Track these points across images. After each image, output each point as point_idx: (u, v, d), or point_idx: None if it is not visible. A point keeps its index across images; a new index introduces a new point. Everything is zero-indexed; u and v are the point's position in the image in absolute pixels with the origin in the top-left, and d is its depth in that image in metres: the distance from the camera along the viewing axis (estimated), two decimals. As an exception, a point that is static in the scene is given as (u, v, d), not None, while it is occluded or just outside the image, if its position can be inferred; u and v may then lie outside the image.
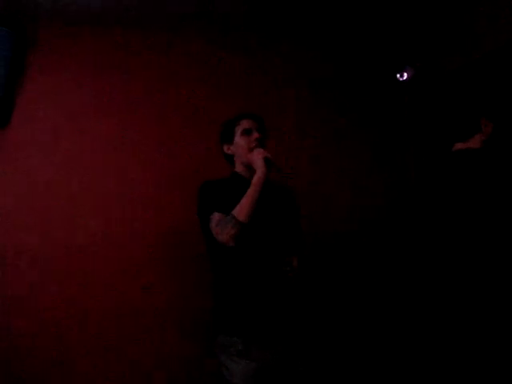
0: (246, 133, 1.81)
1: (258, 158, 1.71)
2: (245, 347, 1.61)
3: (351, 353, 2.44)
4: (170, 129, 2.51)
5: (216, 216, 1.65)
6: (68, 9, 2.34)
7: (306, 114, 2.72)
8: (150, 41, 2.57)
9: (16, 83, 2.33)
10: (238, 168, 1.85)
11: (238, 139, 1.82)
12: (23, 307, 2.21)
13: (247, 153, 1.78)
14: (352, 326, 2.49)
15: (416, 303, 2.29)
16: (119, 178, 2.41)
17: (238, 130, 1.83)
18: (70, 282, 2.27)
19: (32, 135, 2.35)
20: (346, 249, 2.58)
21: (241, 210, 1.62)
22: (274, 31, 2.69)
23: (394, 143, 2.72)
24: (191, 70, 2.59)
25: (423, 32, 2.41)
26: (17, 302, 2.21)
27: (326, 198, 2.63)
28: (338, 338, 2.45)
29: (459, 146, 1.62)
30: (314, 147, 2.69)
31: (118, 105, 2.48)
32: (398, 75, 2.39)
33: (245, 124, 1.83)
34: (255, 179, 1.68)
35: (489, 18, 2.22)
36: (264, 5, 2.39)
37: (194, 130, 2.51)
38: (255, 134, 1.80)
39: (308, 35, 2.73)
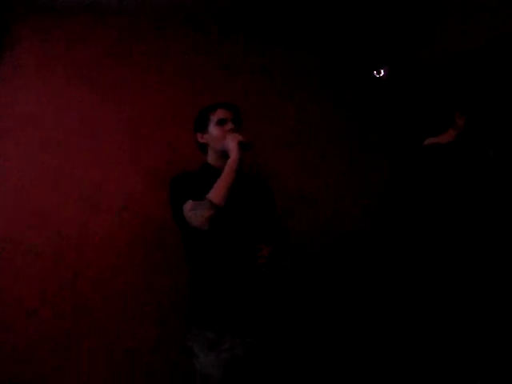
0: (221, 123, 1.82)
1: (232, 142, 1.73)
2: (217, 339, 1.63)
3: (330, 346, 2.51)
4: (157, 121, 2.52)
5: (190, 203, 1.65)
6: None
7: (286, 112, 2.75)
8: (143, 35, 2.54)
9: None
10: (210, 158, 1.87)
11: (212, 129, 1.83)
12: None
13: (219, 141, 1.79)
14: (331, 319, 2.56)
15: (395, 295, 2.31)
16: (99, 166, 2.41)
17: (213, 120, 1.83)
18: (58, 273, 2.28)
19: (6, 135, 2.32)
20: (330, 246, 2.66)
21: (216, 193, 1.64)
22: (256, 30, 2.71)
23: (373, 139, 2.77)
24: (178, 61, 2.59)
25: (401, 29, 2.46)
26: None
27: (307, 197, 2.68)
28: (317, 330, 2.51)
29: (430, 140, 1.65)
30: (292, 145, 2.73)
31: (104, 97, 2.45)
32: (375, 72, 2.43)
33: (219, 113, 1.83)
34: (229, 162, 1.70)
35: (462, 19, 2.29)
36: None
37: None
38: (230, 125, 1.81)
39: (291, 35, 2.75)
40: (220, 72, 2.64)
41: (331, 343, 2.52)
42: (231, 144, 1.73)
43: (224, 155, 1.78)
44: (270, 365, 1.71)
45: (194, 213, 1.61)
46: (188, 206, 1.65)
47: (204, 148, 1.89)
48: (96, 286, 2.31)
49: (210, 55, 2.64)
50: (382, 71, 2.38)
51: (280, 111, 2.72)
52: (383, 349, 2.44)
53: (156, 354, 2.33)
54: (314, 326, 2.51)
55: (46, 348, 2.21)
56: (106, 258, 2.35)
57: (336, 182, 2.73)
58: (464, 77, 1.99)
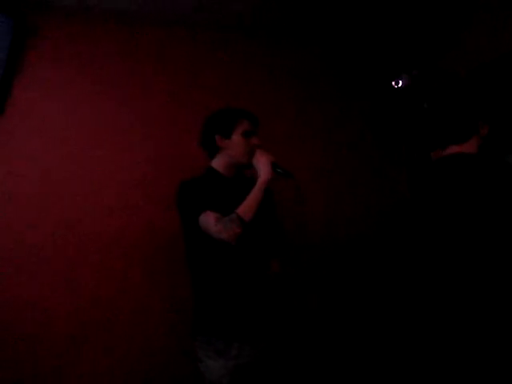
0: (246, 135, 1.78)
1: (265, 161, 1.71)
2: (224, 346, 1.62)
3: (332, 349, 2.47)
4: (162, 125, 2.53)
5: (211, 214, 1.62)
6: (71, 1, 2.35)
7: (302, 120, 2.75)
8: (150, 35, 2.59)
9: (14, 71, 2.32)
10: (219, 163, 1.81)
11: (238, 139, 1.77)
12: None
13: (244, 155, 1.76)
14: (338, 327, 2.52)
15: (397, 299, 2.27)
16: (112, 167, 2.42)
17: (239, 129, 1.78)
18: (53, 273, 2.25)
19: (28, 124, 2.34)
20: (339, 253, 2.63)
21: (247, 211, 1.62)
22: (272, 35, 2.73)
23: (390, 148, 2.75)
24: (187, 67, 2.62)
25: (420, 40, 2.46)
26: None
27: (322, 204, 2.67)
28: (323, 338, 2.47)
29: (454, 149, 1.58)
30: (308, 153, 2.71)
31: (116, 97, 2.48)
32: (394, 83, 2.42)
33: (246, 125, 1.79)
34: (260, 182, 1.68)
35: (487, 29, 2.27)
36: (264, 7, 2.42)
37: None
38: (255, 140, 1.78)
39: (306, 41, 2.77)
40: (230, 76, 2.67)
41: (334, 347, 2.48)
42: (265, 164, 1.70)
43: (238, 166, 1.78)
44: (277, 371, 1.70)
45: (224, 227, 1.58)
46: (211, 217, 1.61)
47: (215, 151, 1.83)
48: (99, 292, 2.28)
49: (225, 60, 2.68)
50: (401, 82, 2.37)
51: (293, 117, 2.72)
52: (385, 354, 2.39)
53: (163, 361, 2.28)
54: (317, 330, 2.48)
55: (45, 348, 2.18)
56: (110, 261, 2.32)
57: (350, 192, 2.72)
58: (487, 86, 1.95)
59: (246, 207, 1.63)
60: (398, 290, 2.35)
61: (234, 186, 1.77)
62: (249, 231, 1.63)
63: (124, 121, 2.48)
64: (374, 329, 2.52)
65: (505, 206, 1.36)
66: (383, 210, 2.66)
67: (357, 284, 2.60)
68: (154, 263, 2.37)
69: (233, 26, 2.63)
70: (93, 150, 2.41)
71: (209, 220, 1.61)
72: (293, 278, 2.40)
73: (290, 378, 1.70)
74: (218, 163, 1.81)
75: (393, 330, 2.38)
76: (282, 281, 1.86)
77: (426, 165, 1.80)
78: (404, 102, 2.46)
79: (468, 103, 1.63)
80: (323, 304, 2.54)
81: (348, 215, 2.67)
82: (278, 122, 2.65)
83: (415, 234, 1.66)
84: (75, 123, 2.41)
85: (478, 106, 1.64)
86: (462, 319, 1.33)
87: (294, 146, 2.67)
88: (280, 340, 1.74)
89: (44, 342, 2.18)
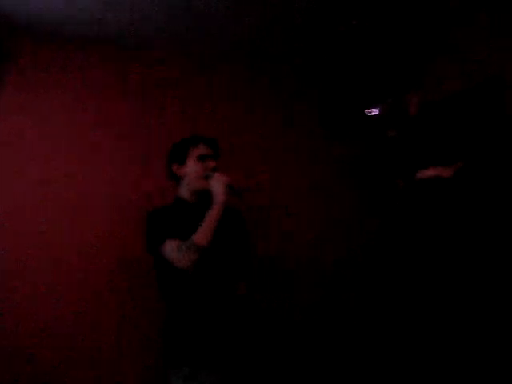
0: (201, 159, 1.79)
1: (219, 183, 1.71)
2: (192, 373, 1.62)
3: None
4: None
5: (171, 243, 1.64)
6: (44, 24, 2.35)
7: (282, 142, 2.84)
8: (127, 58, 2.61)
9: None
10: (183, 191, 1.83)
11: (192, 164, 1.79)
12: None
13: (200, 179, 1.77)
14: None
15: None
16: (94, 186, 2.43)
17: (194, 154, 1.80)
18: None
19: (7, 150, 2.33)
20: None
21: (201, 236, 1.63)
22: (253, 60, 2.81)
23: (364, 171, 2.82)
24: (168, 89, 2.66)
25: (392, 71, 2.57)
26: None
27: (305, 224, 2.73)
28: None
29: (426, 173, 1.62)
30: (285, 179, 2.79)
31: (97, 122, 2.49)
32: (366, 111, 2.48)
33: (202, 149, 1.80)
34: (215, 205, 1.68)
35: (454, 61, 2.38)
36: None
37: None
38: (211, 163, 1.79)
39: (284, 66, 2.85)
40: (210, 102, 2.70)
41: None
42: (218, 186, 1.70)
43: (198, 191, 1.78)
44: None
45: (180, 255, 1.60)
46: (169, 246, 1.63)
47: (177, 180, 1.85)
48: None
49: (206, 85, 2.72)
50: (374, 110, 2.43)
51: (270, 144, 2.78)
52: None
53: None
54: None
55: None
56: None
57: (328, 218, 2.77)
58: (461, 114, 2.01)
59: (201, 233, 1.64)
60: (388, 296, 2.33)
61: (198, 211, 1.74)
62: (209, 255, 1.63)
63: (105, 146, 2.49)
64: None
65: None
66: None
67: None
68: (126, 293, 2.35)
69: (213, 53, 2.68)
70: (72, 174, 2.41)
71: (168, 248, 1.64)
72: (260, 300, 2.39)
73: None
74: (181, 191, 1.84)
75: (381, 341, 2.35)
76: (248, 303, 1.87)
77: (406, 187, 1.81)
78: (376, 130, 2.53)
79: (453, 130, 1.70)
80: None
81: (331, 236, 2.73)
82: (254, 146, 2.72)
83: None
84: (53, 147, 2.41)
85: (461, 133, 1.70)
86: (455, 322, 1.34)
87: (270, 175, 2.72)
88: (247, 365, 1.73)
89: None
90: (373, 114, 2.43)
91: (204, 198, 1.78)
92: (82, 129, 2.46)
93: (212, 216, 1.66)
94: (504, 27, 2.16)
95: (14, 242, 2.25)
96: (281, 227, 2.67)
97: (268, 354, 2.32)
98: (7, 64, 2.36)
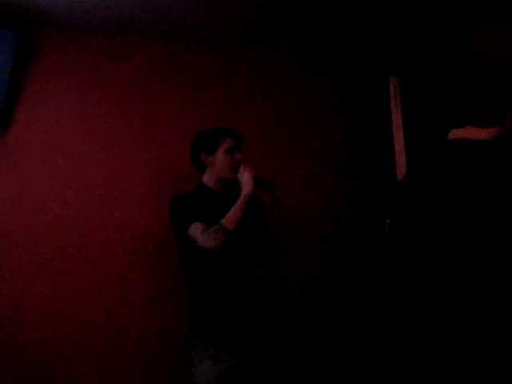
0: (230, 152, 1.93)
1: (248, 176, 1.87)
2: (215, 351, 1.75)
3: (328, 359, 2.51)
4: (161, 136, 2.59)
5: (198, 225, 1.76)
6: (73, 16, 2.40)
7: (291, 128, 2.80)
8: (152, 51, 2.63)
9: (19, 87, 2.40)
10: (209, 179, 1.96)
11: (222, 156, 1.92)
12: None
13: (229, 170, 1.91)
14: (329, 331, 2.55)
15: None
16: (116, 183, 2.47)
17: (223, 146, 1.93)
18: (62, 281, 2.31)
19: (32, 141, 2.40)
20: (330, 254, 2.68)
21: (230, 221, 1.77)
22: (267, 43, 2.75)
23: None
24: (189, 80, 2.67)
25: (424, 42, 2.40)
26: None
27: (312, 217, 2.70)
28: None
29: (470, 131, 1.35)
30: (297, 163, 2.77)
31: (122, 111, 2.54)
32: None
33: (230, 142, 1.94)
34: (243, 195, 1.84)
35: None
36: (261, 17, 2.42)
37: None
38: (238, 155, 1.93)
39: (300, 47, 2.77)
40: (229, 97, 2.70)
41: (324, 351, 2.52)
42: (247, 178, 1.86)
43: (224, 181, 1.93)
44: (264, 377, 1.84)
45: (208, 236, 1.71)
46: (198, 228, 1.75)
47: (203, 168, 1.97)
48: (99, 296, 2.34)
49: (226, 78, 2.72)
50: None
51: (288, 136, 2.78)
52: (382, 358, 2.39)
53: (156, 364, 2.32)
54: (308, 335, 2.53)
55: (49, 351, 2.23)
56: (110, 265, 2.38)
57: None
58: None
59: (230, 218, 1.78)
60: (396, 289, 2.29)
61: (222, 199, 1.91)
62: (235, 241, 1.77)
63: (129, 135, 2.54)
64: (369, 331, 2.54)
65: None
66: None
67: (351, 287, 2.64)
68: (156, 264, 2.43)
69: (226, 36, 2.65)
70: (97, 165, 2.47)
71: (196, 230, 1.76)
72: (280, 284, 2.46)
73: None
74: (206, 179, 1.97)
75: (389, 337, 2.35)
76: (269, 287, 2.00)
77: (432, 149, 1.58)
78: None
79: (505, 86, 1.38)
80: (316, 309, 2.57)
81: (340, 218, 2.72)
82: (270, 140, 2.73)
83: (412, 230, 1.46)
84: (81, 137, 2.47)
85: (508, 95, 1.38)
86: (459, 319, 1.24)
87: (285, 165, 2.74)
88: (269, 346, 1.85)
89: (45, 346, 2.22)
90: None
91: (228, 187, 1.96)
92: (111, 119, 2.52)
93: (240, 204, 1.81)
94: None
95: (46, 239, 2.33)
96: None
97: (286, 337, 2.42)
98: (34, 55, 2.44)
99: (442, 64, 2.45)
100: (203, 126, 2.11)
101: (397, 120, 2.68)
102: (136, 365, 2.29)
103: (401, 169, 2.66)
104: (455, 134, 1.38)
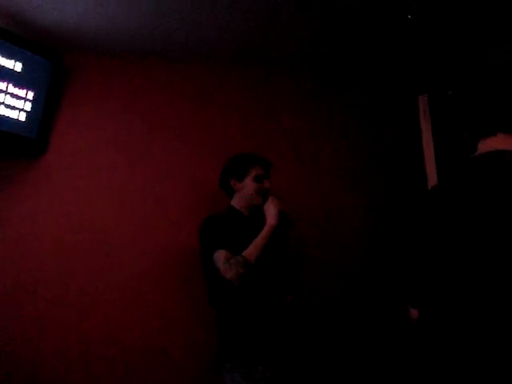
0: (258, 180, 1.98)
1: (273, 208, 1.90)
2: (248, 371, 1.78)
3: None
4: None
5: (222, 253, 1.80)
6: (105, 40, 2.40)
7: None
8: (185, 74, 2.65)
9: (53, 113, 2.38)
10: (238, 204, 2.03)
11: (250, 183, 1.98)
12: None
13: (256, 198, 1.97)
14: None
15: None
16: (156, 208, 2.46)
17: (251, 174, 1.98)
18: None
19: (68, 165, 2.40)
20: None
21: (251, 253, 1.80)
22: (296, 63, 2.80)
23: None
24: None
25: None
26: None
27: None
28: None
29: (496, 143, 1.32)
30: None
31: (154, 137, 2.54)
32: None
33: (259, 170, 1.99)
34: (267, 226, 1.87)
35: None
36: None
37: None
38: (266, 184, 1.98)
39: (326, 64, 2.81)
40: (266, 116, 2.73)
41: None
42: (273, 210, 1.89)
43: (253, 206, 1.98)
44: None
45: (229, 267, 1.74)
46: (221, 256, 1.78)
47: (231, 192, 2.03)
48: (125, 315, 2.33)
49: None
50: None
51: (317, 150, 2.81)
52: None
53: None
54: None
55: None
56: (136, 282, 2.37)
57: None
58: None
59: (251, 250, 1.82)
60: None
61: (251, 224, 1.95)
62: (256, 271, 1.80)
63: (165, 157, 2.54)
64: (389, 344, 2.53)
65: None
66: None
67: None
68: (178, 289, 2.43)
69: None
70: (134, 188, 2.46)
71: (219, 259, 1.80)
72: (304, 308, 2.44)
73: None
74: (236, 202, 2.03)
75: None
76: (294, 310, 2.02)
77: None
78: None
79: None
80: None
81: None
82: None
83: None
84: (116, 161, 2.46)
85: None
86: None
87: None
88: (296, 361, 1.92)
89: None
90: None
91: (256, 211, 1.99)
92: (150, 142, 2.54)
93: (262, 236, 1.85)
94: None
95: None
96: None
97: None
98: (67, 80, 2.43)
99: (470, 79, 2.55)
100: (242, 148, 2.16)
101: (427, 137, 2.77)
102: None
103: (432, 183, 2.74)
104: (487, 143, 1.35)
